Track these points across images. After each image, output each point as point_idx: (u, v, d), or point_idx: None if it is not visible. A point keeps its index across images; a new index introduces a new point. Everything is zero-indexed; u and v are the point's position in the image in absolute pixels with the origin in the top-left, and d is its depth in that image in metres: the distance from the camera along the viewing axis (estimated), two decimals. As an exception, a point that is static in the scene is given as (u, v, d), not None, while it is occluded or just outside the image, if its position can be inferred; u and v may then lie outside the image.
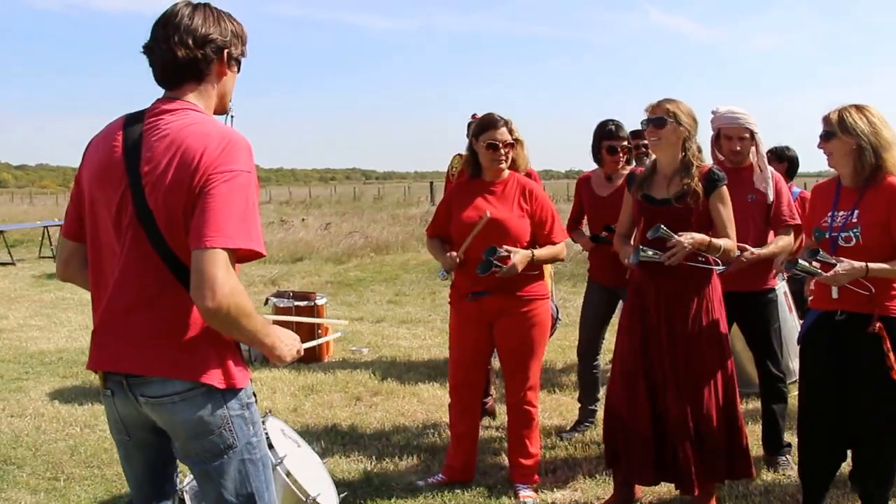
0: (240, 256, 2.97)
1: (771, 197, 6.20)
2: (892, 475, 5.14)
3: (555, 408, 8.09)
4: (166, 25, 3.14)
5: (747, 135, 6.25)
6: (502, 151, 5.85)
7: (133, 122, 3.16)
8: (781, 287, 7.07)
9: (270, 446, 4.40)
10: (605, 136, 7.04)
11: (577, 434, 7.22)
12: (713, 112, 6.32)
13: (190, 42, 3.12)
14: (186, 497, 4.22)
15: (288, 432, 5.19)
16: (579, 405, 7.52)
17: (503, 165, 5.91)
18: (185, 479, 4.22)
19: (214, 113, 3.31)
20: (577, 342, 7.52)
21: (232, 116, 3.43)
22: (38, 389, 8.97)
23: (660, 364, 5.40)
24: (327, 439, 7.20)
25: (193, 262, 2.85)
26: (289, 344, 3.26)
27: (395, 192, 75.30)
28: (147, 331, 3.07)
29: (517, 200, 5.89)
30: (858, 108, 5.00)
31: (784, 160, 8.99)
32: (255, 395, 3.33)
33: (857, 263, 4.81)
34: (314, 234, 24.87)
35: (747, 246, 5.85)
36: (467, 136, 6.31)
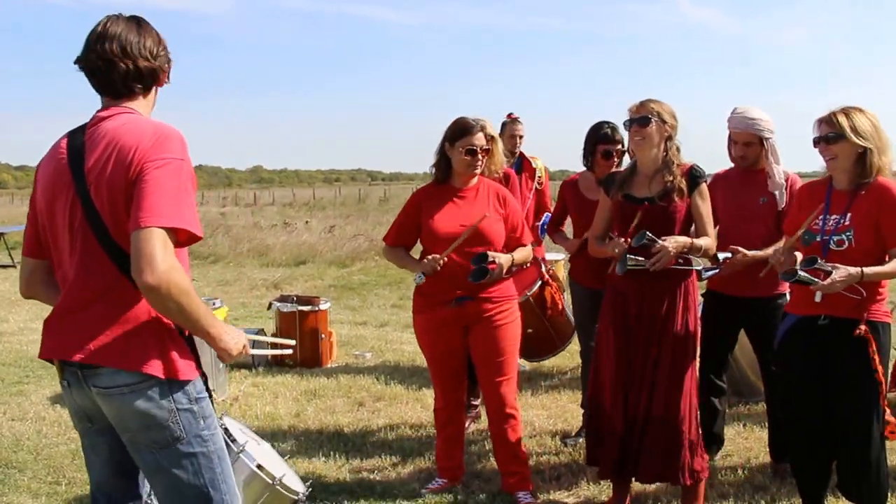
0: (180, 240, 3.13)
1: (782, 203, 6.13)
2: (886, 476, 5.12)
3: (559, 414, 8.07)
4: (112, 40, 3.34)
5: (754, 140, 6.13)
6: (480, 157, 5.83)
7: (75, 134, 3.37)
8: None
9: (233, 440, 4.62)
10: (601, 140, 6.85)
11: (581, 439, 7.14)
12: (732, 110, 6.19)
13: (148, 54, 3.38)
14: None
15: (246, 431, 5.24)
16: (583, 410, 7.47)
17: (478, 171, 5.90)
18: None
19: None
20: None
21: None
22: (39, 393, 8.96)
23: (641, 361, 5.46)
24: (330, 445, 7.17)
25: (132, 244, 3.00)
26: (235, 338, 3.36)
27: (402, 193, 75.11)
28: (96, 323, 3.21)
29: (493, 205, 5.87)
30: (859, 109, 4.96)
31: None
32: (209, 392, 3.45)
33: (852, 269, 4.75)
34: (318, 236, 24.90)
35: (739, 248, 5.80)
36: (500, 136, 6.26)
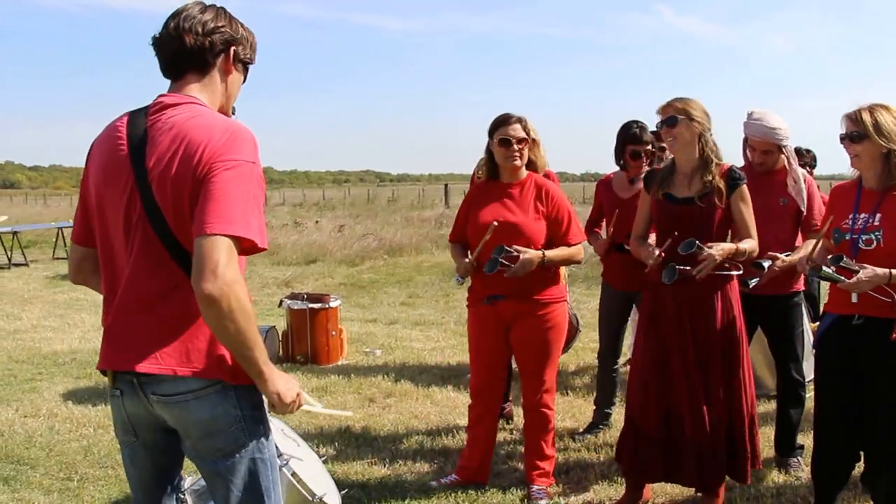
0: (242, 249, 2.92)
1: (803, 205, 6.15)
2: None
3: (567, 410, 8.10)
4: (176, 17, 3.18)
5: (773, 149, 6.16)
6: (515, 147, 5.80)
7: (136, 118, 3.16)
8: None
9: (279, 451, 4.44)
10: (630, 140, 6.90)
11: (590, 436, 7.19)
12: (748, 114, 6.21)
13: (199, 30, 3.15)
14: (189, 499, 4.20)
15: (287, 432, 5.24)
16: (594, 407, 7.50)
17: (518, 163, 5.85)
18: (187, 481, 4.20)
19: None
20: (591, 344, 7.51)
21: None
22: (52, 390, 9.00)
23: (682, 369, 5.39)
24: (341, 441, 7.20)
25: (195, 249, 2.82)
26: (288, 384, 3.17)
27: (409, 194, 75.05)
28: (158, 328, 3.04)
29: (533, 202, 5.84)
30: (886, 108, 4.86)
31: (811, 163, 9.14)
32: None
33: (880, 270, 4.68)
34: (327, 236, 24.89)
35: (778, 255, 5.78)
36: None
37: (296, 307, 10.48)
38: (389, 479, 6.30)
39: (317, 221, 30.96)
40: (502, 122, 5.86)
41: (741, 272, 5.46)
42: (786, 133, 6.13)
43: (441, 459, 6.68)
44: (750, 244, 5.36)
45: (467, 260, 5.82)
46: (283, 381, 3.13)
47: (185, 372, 3.04)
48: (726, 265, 5.34)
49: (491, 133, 5.90)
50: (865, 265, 4.75)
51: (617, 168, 7.19)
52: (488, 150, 5.98)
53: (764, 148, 6.18)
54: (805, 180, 6.21)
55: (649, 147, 6.90)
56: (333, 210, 45.88)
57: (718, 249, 5.18)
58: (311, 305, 10.45)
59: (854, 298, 4.90)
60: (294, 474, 4.57)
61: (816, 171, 9.43)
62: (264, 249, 3.00)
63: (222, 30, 3.20)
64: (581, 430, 7.41)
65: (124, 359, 3.10)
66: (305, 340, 10.35)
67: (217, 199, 2.86)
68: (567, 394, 8.66)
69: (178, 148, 2.97)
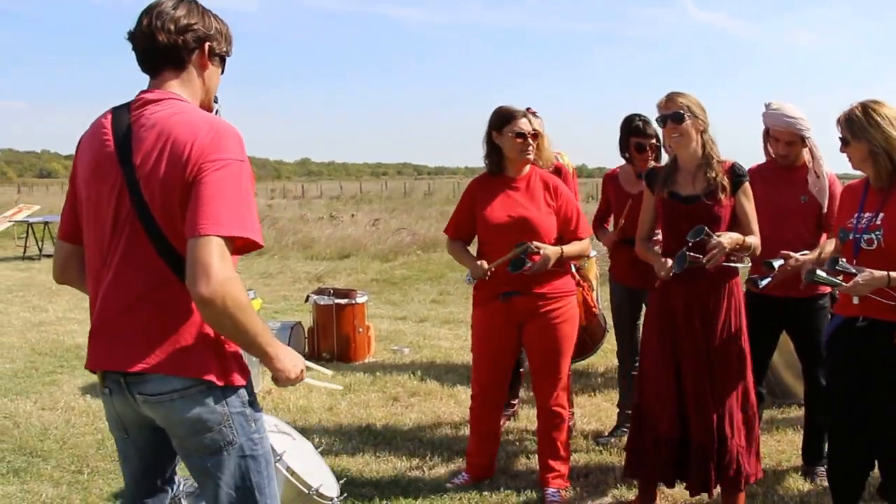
0: (237, 247, 2.96)
1: (825, 203, 6.00)
2: None
3: (593, 413, 8.00)
4: (149, 13, 3.19)
5: (796, 140, 6.00)
6: (531, 141, 5.77)
7: (120, 114, 3.17)
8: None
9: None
10: (633, 133, 6.79)
11: (613, 439, 7.08)
12: (766, 105, 6.07)
13: (171, 28, 3.15)
14: (184, 501, 4.18)
15: (281, 426, 5.28)
16: (618, 410, 7.37)
17: (531, 156, 5.84)
18: (182, 484, 4.16)
19: (199, 107, 3.29)
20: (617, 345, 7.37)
21: (217, 112, 3.46)
22: (72, 383, 9.01)
23: (690, 366, 5.33)
24: (360, 439, 7.18)
25: (188, 251, 2.84)
26: (293, 359, 3.20)
27: (445, 187, 74.97)
28: (144, 328, 3.05)
29: (543, 197, 5.82)
30: (866, 107, 4.77)
31: None
32: (254, 393, 3.30)
33: (878, 273, 4.58)
34: (362, 230, 24.90)
35: (791, 253, 5.66)
36: None
37: (322, 303, 10.42)
38: (404, 479, 6.26)
39: (353, 215, 31.00)
40: (512, 116, 5.80)
41: (747, 266, 5.42)
42: (807, 124, 5.97)
43: (459, 460, 6.60)
44: (754, 240, 5.30)
45: (485, 265, 5.70)
46: (288, 359, 3.16)
47: (171, 371, 3.04)
48: (732, 258, 5.29)
49: (499, 126, 5.82)
50: (864, 268, 4.66)
51: (623, 161, 7.08)
52: (492, 143, 5.90)
53: (788, 139, 6.02)
54: (828, 177, 6.05)
55: (654, 141, 6.76)
56: (370, 203, 46.01)
57: (727, 238, 5.11)
58: (337, 301, 10.38)
59: (855, 301, 4.82)
60: (289, 469, 4.62)
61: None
62: (261, 246, 3.03)
63: (195, 27, 3.22)
64: (606, 433, 7.30)
65: (112, 359, 3.12)
66: (331, 337, 10.30)
67: (207, 200, 2.88)
68: (594, 396, 8.57)
69: (163, 147, 2.99)
